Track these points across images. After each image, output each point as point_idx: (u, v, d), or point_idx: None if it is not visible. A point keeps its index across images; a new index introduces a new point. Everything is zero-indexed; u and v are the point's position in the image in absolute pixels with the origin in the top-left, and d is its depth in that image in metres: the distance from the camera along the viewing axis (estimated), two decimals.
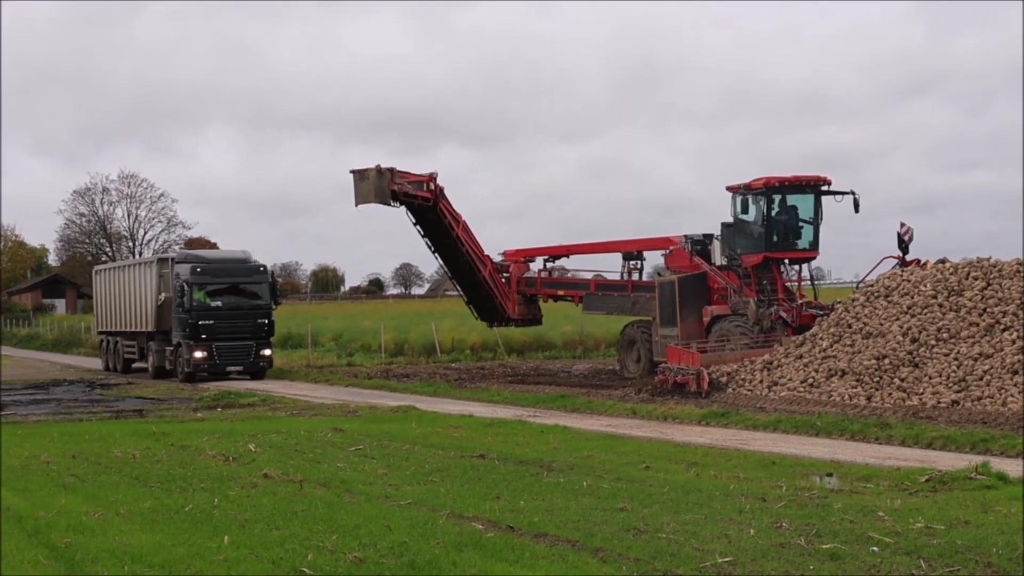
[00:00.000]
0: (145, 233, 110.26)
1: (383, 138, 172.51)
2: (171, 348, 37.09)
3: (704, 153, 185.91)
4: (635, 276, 33.62)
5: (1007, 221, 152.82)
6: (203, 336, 35.35)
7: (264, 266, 37.44)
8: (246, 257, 37.86)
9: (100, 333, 45.50)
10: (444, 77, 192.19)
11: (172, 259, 38.35)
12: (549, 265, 36.34)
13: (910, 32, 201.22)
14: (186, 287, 35.53)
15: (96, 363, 51.26)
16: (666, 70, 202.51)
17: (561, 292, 35.90)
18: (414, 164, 34.14)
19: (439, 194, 33.35)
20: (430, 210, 33.59)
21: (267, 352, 36.62)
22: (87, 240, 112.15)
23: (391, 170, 32.55)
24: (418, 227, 34.74)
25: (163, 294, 37.45)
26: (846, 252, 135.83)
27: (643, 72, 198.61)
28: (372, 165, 32.61)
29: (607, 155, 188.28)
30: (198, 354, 35.28)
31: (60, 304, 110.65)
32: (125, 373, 41.23)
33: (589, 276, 35.50)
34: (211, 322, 35.47)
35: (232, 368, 36.03)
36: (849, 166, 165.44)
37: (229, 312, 35.90)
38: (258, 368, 36.32)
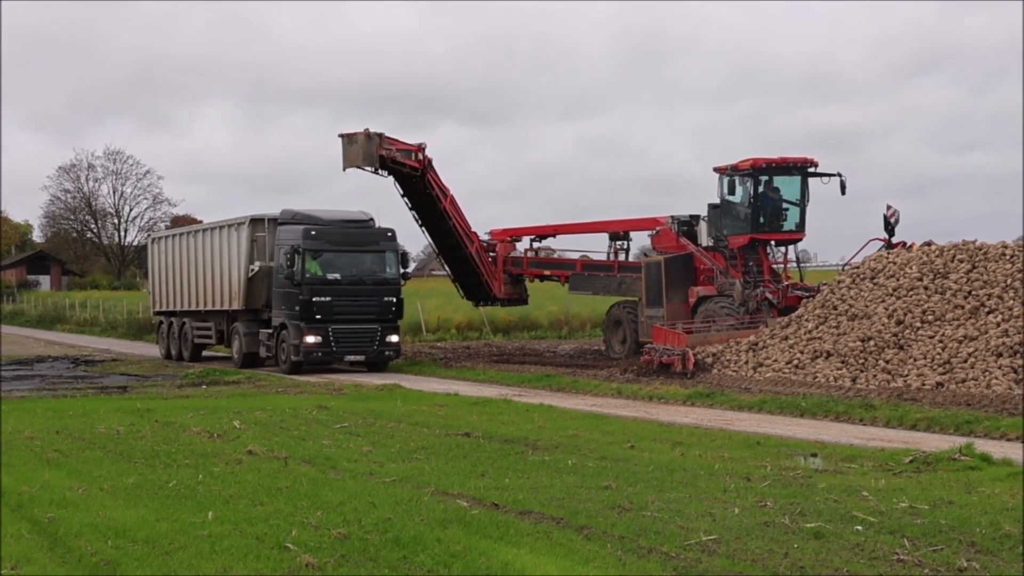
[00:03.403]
0: (131, 210, 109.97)
1: (382, 114, 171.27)
2: (268, 331, 30.87)
3: (704, 131, 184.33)
4: (621, 256, 33.64)
5: (1004, 203, 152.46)
6: (317, 317, 29.22)
7: (392, 230, 31.03)
8: (369, 218, 31.50)
9: (158, 314, 38.56)
10: (447, 52, 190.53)
11: (272, 220, 31.65)
12: (536, 245, 36.30)
13: (922, 8, 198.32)
14: (297, 255, 29.16)
15: (84, 340, 51.22)
16: (673, 46, 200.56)
17: (547, 272, 35.86)
18: (411, 140, 33.57)
19: (427, 164, 33.17)
20: (418, 181, 33.42)
21: (394, 338, 30.33)
22: (72, 217, 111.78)
23: (380, 135, 32.24)
24: (406, 199, 34.52)
25: (256, 263, 31.24)
26: (842, 233, 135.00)
27: (649, 48, 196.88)
28: (361, 129, 32.46)
29: (607, 133, 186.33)
30: (310, 339, 29.12)
31: (45, 280, 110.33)
32: (195, 361, 34.68)
33: (576, 256, 35.48)
34: (327, 299, 29.33)
35: (352, 357, 30.03)
36: (850, 146, 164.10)
37: (350, 288, 29.79)
38: (383, 358, 30.44)
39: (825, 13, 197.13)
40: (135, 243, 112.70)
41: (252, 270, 31.33)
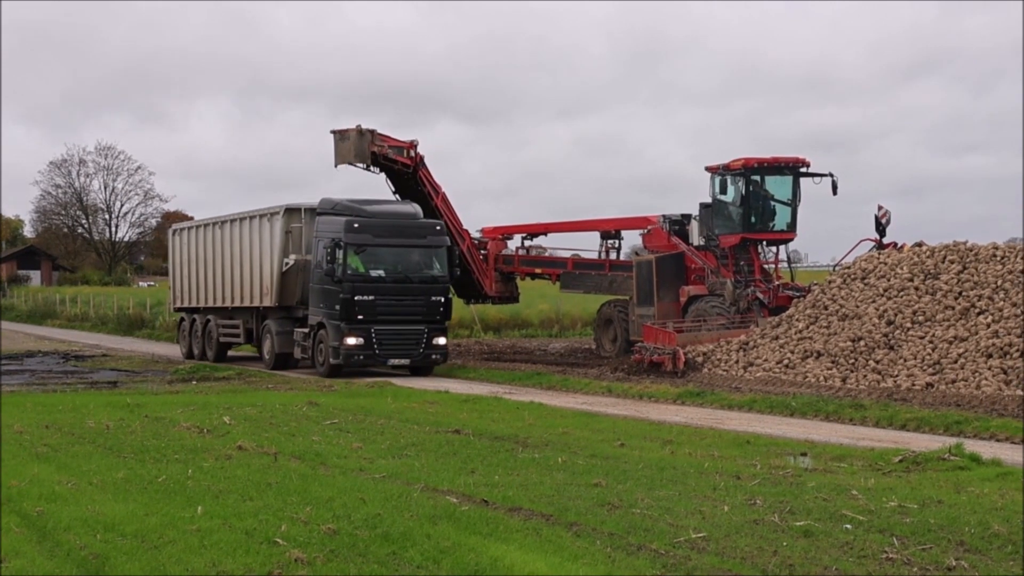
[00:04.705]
0: (122, 206, 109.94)
1: (378, 111, 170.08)
2: (303, 330, 28.74)
3: (702, 132, 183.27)
4: (613, 255, 33.65)
5: (1001, 206, 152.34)
6: (359, 317, 26.99)
7: (441, 224, 29.23)
8: (416, 211, 29.37)
9: (179, 310, 36.24)
10: (444, 50, 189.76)
11: (309, 210, 29.47)
12: (527, 243, 36.30)
13: (920, 8, 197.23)
14: (338, 249, 26.88)
15: (75, 335, 51.06)
16: (670, 46, 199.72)
17: (539, 270, 35.85)
18: (406, 138, 33.37)
19: (419, 162, 33.10)
20: (410, 178, 33.36)
21: (441, 341, 27.98)
22: (63, 212, 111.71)
23: (372, 131, 32.13)
24: (397, 196, 34.53)
25: (291, 257, 29.15)
26: (835, 234, 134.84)
27: (648, 48, 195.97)
28: (353, 126, 32.38)
29: (603, 133, 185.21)
30: (351, 340, 26.89)
31: (35, 275, 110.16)
32: (219, 362, 32.36)
33: (567, 255, 35.50)
34: (370, 298, 27.08)
35: (396, 361, 27.72)
36: (848, 147, 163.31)
37: (395, 286, 27.46)
38: (429, 361, 27.95)
39: (823, 13, 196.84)
40: (126, 239, 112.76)
41: (286, 264, 29.23)
